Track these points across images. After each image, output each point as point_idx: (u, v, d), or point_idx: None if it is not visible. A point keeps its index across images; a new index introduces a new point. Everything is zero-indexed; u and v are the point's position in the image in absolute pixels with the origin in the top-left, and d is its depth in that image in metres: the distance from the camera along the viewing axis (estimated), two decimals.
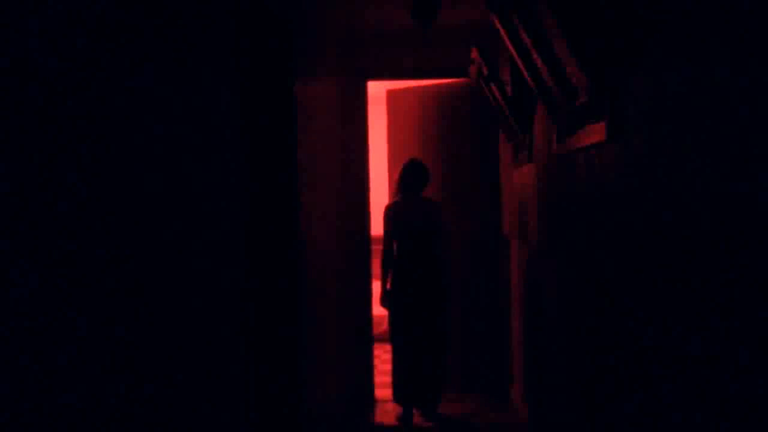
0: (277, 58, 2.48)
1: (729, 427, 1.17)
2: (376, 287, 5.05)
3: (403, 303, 4.47)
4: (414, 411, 4.66)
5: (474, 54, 3.80)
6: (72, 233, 1.02)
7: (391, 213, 4.49)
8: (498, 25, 2.61)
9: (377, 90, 6.62)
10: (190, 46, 1.56)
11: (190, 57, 1.56)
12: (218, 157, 1.78)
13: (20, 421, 0.89)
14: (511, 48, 2.65)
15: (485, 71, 3.71)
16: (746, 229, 1.08)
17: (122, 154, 1.19)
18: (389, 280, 4.54)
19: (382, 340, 5.85)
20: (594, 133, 1.99)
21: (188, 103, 1.53)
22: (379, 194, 5.92)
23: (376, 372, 5.33)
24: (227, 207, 1.87)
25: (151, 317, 1.30)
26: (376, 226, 5.25)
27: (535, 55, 2.33)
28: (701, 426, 1.29)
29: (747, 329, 1.09)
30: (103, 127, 1.12)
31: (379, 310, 5.32)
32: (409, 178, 4.50)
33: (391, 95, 5.53)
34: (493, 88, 3.74)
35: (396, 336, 4.54)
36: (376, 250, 5.00)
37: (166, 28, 1.42)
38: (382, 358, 5.94)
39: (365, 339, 5.10)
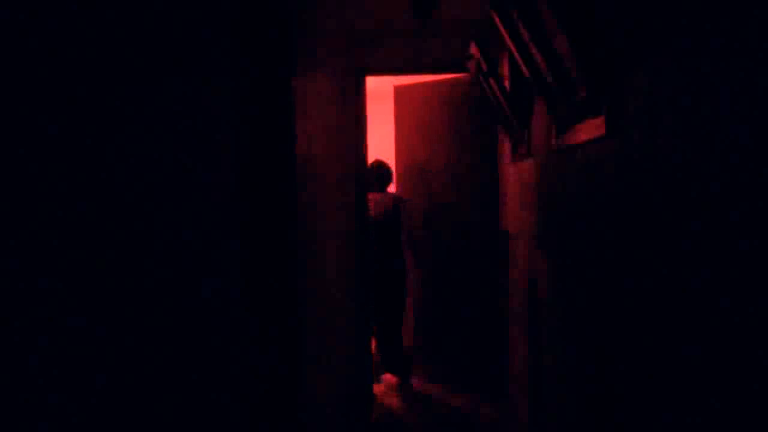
0: (275, 53, 2.47)
1: (727, 425, 1.17)
2: None
3: (375, 284, 5.33)
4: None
5: (473, 49, 3.79)
6: (62, 231, 1.02)
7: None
8: (497, 20, 2.61)
9: (386, 86, 6.69)
10: (186, 41, 1.56)
11: (187, 53, 1.55)
12: (215, 153, 1.78)
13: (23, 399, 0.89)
14: (510, 43, 2.65)
15: (484, 66, 3.71)
16: (744, 224, 1.09)
17: (116, 151, 1.18)
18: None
19: None
20: (593, 128, 1.99)
21: (184, 99, 1.53)
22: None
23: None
24: (223, 203, 1.87)
25: (144, 314, 1.30)
26: None
27: (534, 51, 2.33)
28: (699, 421, 1.30)
29: (747, 327, 1.09)
30: (94, 123, 1.12)
31: None
32: (376, 177, 5.30)
33: (399, 91, 5.58)
34: (492, 83, 3.74)
35: (374, 314, 5.44)
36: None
37: (163, 22, 1.41)
38: None
39: (364, 337, 5.11)
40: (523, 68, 2.67)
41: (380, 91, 7.35)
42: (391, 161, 6.02)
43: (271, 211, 2.51)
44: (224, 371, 1.83)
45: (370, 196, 5.36)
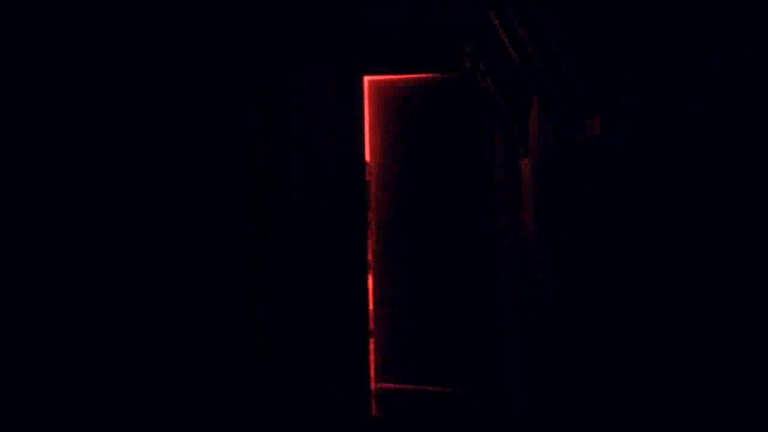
0: (275, 53, 2.48)
1: (722, 423, 1.19)
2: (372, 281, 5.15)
3: None
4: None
5: (469, 48, 3.79)
6: (75, 229, 1.03)
7: None
8: (494, 20, 2.62)
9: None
10: (187, 43, 1.57)
11: (187, 54, 1.56)
12: (216, 152, 1.79)
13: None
14: (507, 42, 2.66)
15: (480, 65, 3.71)
16: (733, 218, 1.10)
17: (117, 151, 1.20)
18: None
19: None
20: (590, 128, 2.00)
21: (184, 100, 1.54)
22: None
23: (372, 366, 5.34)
24: (226, 199, 1.88)
25: (154, 310, 1.32)
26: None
27: (531, 50, 2.34)
28: (694, 417, 1.31)
29: (744, 322, 1.11)
30: (96, 125, 1.14)
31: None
32: None
33: (373, 87, 5.46)
34: (489, 82, 3.74)
35: None
36: (371, 243, 5.22)
37: (163, 23, 1.42)
38: None
39: (362, 332, 5.10)
40: (520, 68, 2.68)
41: None
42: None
43: (269, 205, 2.51)
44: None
45: None
